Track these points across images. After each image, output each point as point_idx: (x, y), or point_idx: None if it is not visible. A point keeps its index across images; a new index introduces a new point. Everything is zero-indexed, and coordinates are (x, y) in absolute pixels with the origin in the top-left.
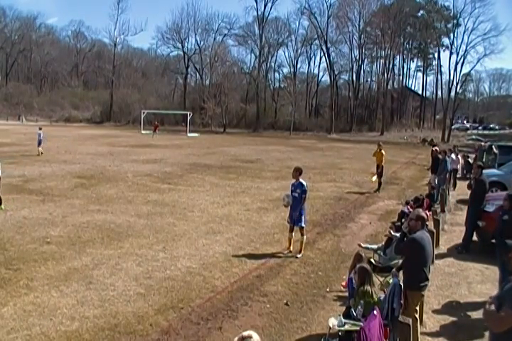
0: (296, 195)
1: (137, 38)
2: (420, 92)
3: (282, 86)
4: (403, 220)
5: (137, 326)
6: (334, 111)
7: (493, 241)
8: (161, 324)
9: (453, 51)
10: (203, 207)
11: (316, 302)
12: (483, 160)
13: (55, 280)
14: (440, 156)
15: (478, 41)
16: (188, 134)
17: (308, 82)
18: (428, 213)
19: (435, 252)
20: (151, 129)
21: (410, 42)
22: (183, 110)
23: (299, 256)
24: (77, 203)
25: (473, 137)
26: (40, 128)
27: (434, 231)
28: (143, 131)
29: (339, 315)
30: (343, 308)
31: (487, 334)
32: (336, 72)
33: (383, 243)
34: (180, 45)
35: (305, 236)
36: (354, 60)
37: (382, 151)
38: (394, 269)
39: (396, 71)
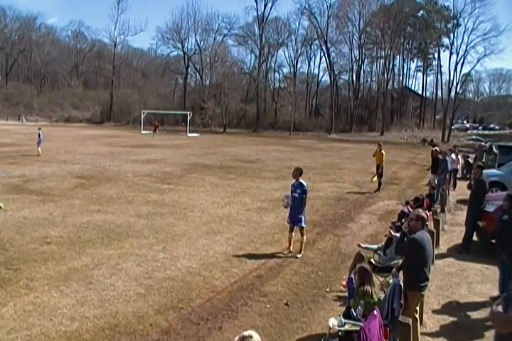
0: (297, 195)
1: (137, 38)
2: (420, 92)
3: (282, 86)
4: (403, 220)
5: (137, 326)
6: (334, 111)
7: (493, 241)
8: (161, 324)
9: (453, 51)
10: (203, 207)
11: (316, 302)
12: (483, 160)
13: (55, 280)
14: (440, 156)
15: (478, 41)
16: (188, 134)
17: (308, 82)
18: (428, 213)
19: (435, 252)
20: (151, 129)
21: (410, 42)
22: (183, 110)
23: (299, 256)
24: (77, 203)
25: (473, 137)
26: (40, 128)
27: (434, 231)
28: (143, 131)
29: (339, 315)
30: (343, 308)
31: (487, 334)
32: (336, 72)
33: (383, 243)
34: (180, 45)
35: (305, 237)
36: (354, 60)
37: (383, 151)
38: (394, 269)
39: (396, 71)
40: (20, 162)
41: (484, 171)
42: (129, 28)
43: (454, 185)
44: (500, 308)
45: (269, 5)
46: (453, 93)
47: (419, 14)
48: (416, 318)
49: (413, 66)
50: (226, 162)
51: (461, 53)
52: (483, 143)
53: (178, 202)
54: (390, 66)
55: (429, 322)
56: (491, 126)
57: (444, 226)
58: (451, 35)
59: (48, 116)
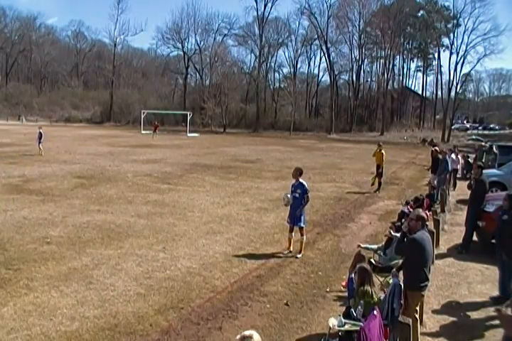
0: (297, 195)
1: (137, 38)
2: (420, 92)
3: (282, 86)
4: (403, 220)
5: (137, 326)
6: (334, 111)
7: (493, 241)
8: (161, 324)
9: (453, 51)
10: (203, 207)
11: (316, 302)
12: (483, 160)
13: (55, 280)
14: (440, 156)
15: (478, 41)
16: (188, 134)
17: (308, 82)
18: (428, 213)
19: (435, 252)
20: (151, 129)
21: (410, 43)
22: (183, 110)
23: (299, 256)
24: (77, 203)
25: (473, 137)
26: (40, 128)
27: (434, 231)
28: (143, 131)
29: (339, 315)
30: (343, 308)
31: (487, 334)
32: (336, 72)
33: (383, 243)
34: (180, 45)
35: (305, 237)
36: (354, 60)
37: (383, 151)
38: (394, 269)
39: (396, 71)
40: (20, 162)
41: (484, 171)
42: (129, 28)
43: (454, 185)
44: (509, 311)
45: (269, 5)
46: (453, 93)
47: (419, 14)
48: (416, 318)
49: (413, 66)
50: (226, 162)
51: (461, 53)
52: (483, 143)
53: (178, 202)
54: (390, 66)
55: (429, 322)
56: (491, 126)
57: (444, 226)
58: (451, 35)
59: (48, 116)
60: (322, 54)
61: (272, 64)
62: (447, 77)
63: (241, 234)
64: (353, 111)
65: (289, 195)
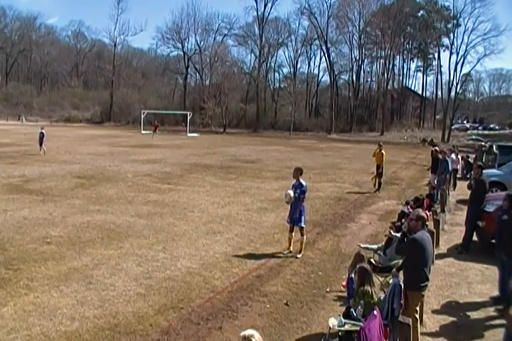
0: (297, 195)
1: (137, 38)
2: (420, 92)
3: (282, 86)
4: (403, 220)
5: (137, 326)
6: (334, 111)
7: (493, 241)
8: (161, 324)
9: (453, 51)
10: (203, 207)
11: (316, 302)
12: (483, 160)
13: (55, 280)
14: (440, 156)
15: (478, 41)
16: (188, 134)
17: (308, 82)
18: (428, 213)
19: (435, 252)
20: (151, 129)
21: (410, 43)
22: (183, 110)
23: (299, 256)
24: (77, 203)
25: (473, 137)
26: (43, 128)
27: (434, 231)
28: (143, 131)
29: (339, 315)
30: (343, 308)
31: (487, 334)
32: (336, 72)
33: (383, 243)
34: (180, 45)
35: (305, 237)
36: (354, 60)
37: (383, 151)
38: (394, 269)
39: (396, 71)
40: (20, 162)
41: (484, 171)
42: (129, 28)
43: (454, 185)
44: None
45: (269, 5)
46: (453, 93)
47: (419, 14)
48: (416, 318)
49: (413, 66)
50: (226, 162)
51: (461, 53)
52: (483, 143)
53: (178, 202)
54: (390, 66)
55: (429, 322)
56: (491, 126)
57: (444, 226)
58: (451, 35)
59: (48, 116)
60: (322, 54)
61: (272, 64)
62: (447, 77)
63: (241, 234)
64: (353, 111)
65: (291, 193)
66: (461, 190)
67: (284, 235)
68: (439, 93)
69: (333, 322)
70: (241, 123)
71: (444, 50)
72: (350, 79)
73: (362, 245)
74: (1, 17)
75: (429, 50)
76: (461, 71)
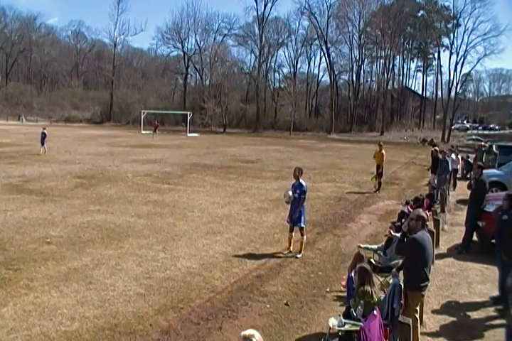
0: (296, 195)
1: (137, 38)
2: (420, 92)
3: (282, 86)
4: (403, 220)
5: (137, 326)
6: (334, 112)
7: (493, 241)
8: (161, 324)
9: (453, 51)
10: (203, 207)
11: (316, 302)
12: (483, 160)
13: (55, 280)
14: (440, 156)
15: (478, 41)
16: (188, 134)
17: (308, 82)
18: (428, 213)
19: (435, 252)
20: (151, 129)
21: (410, 43)
22: (183, 110)
23: (299, 256)
24: (77, 203)
25: (473, 137)
26: (44, 128)
27: (434, 231)
28: (143, 131)
29: (339, 315)
30: (343, 308)
31: (487, 334)
32: (336, 72)
33: (383, 243)
34: (180, 45)
35: (305, 236)
36: (354, 60)
37: (383, 151)
38: (394, 269)
39: (396, 71)
40: (20, 162)
41: (484, 171)
42: (129, 28)
43: (454, 185)
44: None
45: (269, 5)
46: (453, 93)
47: (419, 14)
48: (416, 318)
49: (413, 66)
50: (226, 162)
51: (461, 53)
52: (483, 143)
53: (178, 202)
54: (390, 66)
55: (429, 322)
56: (491, 126)
57: (444, 226)
58: (451, 35)
59: (48, 116)
60: (322, 54)
61: (272, 64)
62: (447, 77)
63: (241, 234)
64: (353, 111)
65: (290, 193)
66: (461, 190)
67: (284, 235)
68: (439, 93)
69: (333, 322)
70: (241, 123)
71: (444, 50)
72: (350, 79)
73: (362, 245)
74: (1, 17)
75: (429, 50)
76: (461, 71)
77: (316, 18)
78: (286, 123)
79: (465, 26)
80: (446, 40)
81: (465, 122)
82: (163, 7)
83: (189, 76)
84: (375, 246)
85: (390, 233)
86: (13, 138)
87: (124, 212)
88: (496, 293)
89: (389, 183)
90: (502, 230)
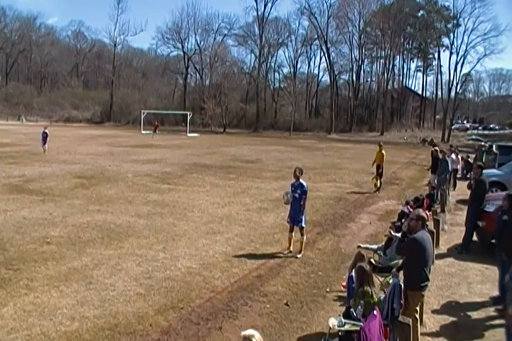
0: (297, 195)
1: (137, 38)
2: (420, 92)
3: (282, 86)
4: (403, 220)
5: (137, 326)
6: (334, 112)
7: (493, 241)
8: (161, 324)
9: (453, 51)
10: (203, 207)
11: (316, 302)
12: (483, 160)
13: (55, 280)
14: (440, 156)
15: (478, 41)
16: (188, 134)
17: (308, 82)
18: (428, 213)
19: (435, 252)
20: (151, 129)
21: (410, 43)
22: (183, 110)
23: (299, 256)
24: (77, 203)
25: (473, 137)
26: (46, 128)
27: (434, 231)
28: (143, 131)
29: (339, 315)
30: (343, 308)
31: (487, 334)
32: (336, 72)
33: (383, 243)
34: (180, 45)
35: (305, 237)
36: (354, 60)
37: (383, 152)
38: (394, 269)
39: (396, 71)
40: (20, 162)
41: (484, 171)
42: (129, 28)
43: (454, 185)
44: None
45: (269, 5)
46: (453, 93)
47: (419, 14)
48: (416, 318)
49: (413, 66)
50: (226, 162)
51: (461, 53)
52: (483, 143)
53: (178, 202)
54: (390, 66)
55: (429, 322)
56: (491, 126)
57: (444, 226)
58: (451, 35)
59: (48, 116)
60: (322, 54)
61: (272, 64)
62: (447, 77)
63: (241, 234)
64: (353, 111)
65: (289, 193)
66: (461, 190)
67: (284, 235)
68: (439, 93)
69: (333, 322)
70: (241, 123)
71: (444, 50)
72: (350, 79)
73: (362, 245)
74: (1, 17)
75: (429, 50)
76: (461, 71)
77: (316, 18)
78: (286, 123)
79: (465, 26)
80: (446, 40)
81: (465, 122)
82: (163, 7)
83: (189, 76)
84: (375, 246)
85: (390, 233)
86: (13, 138)
87: (124, 212)
88: (496, 293)
89: (389, 183)
90: (502, 230)
